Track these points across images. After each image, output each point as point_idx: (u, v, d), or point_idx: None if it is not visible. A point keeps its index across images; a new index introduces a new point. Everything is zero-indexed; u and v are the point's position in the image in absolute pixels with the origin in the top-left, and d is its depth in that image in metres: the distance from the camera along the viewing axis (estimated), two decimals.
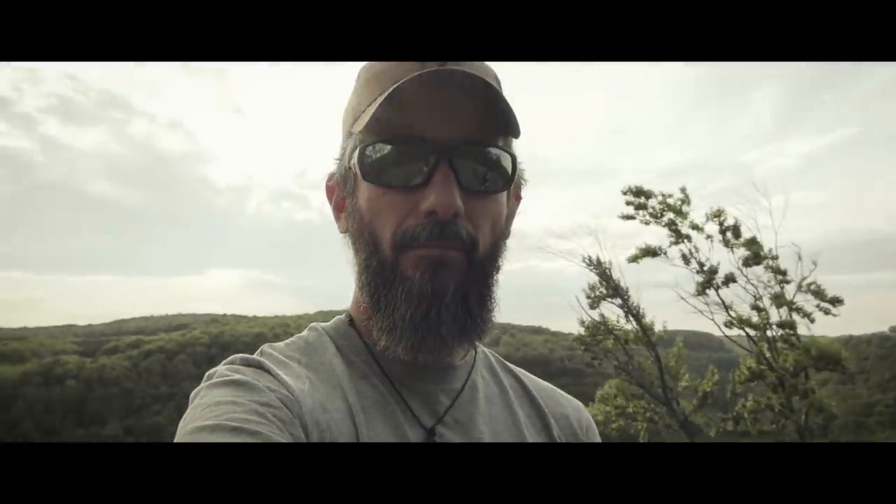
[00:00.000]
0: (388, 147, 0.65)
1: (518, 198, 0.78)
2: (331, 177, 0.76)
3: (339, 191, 0.74)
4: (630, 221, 12.35)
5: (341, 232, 0.74)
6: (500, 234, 0.70)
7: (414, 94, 0.62)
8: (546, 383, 0.86)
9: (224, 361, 0.67)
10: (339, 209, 0.75)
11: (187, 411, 0.59)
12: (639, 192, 12.12)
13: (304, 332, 0.76)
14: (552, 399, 0.82)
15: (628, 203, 12.32)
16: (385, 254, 0.65)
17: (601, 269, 12.26)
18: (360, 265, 0.69)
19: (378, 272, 0.66)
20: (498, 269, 0.70)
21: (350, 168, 0.69)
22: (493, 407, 0.75)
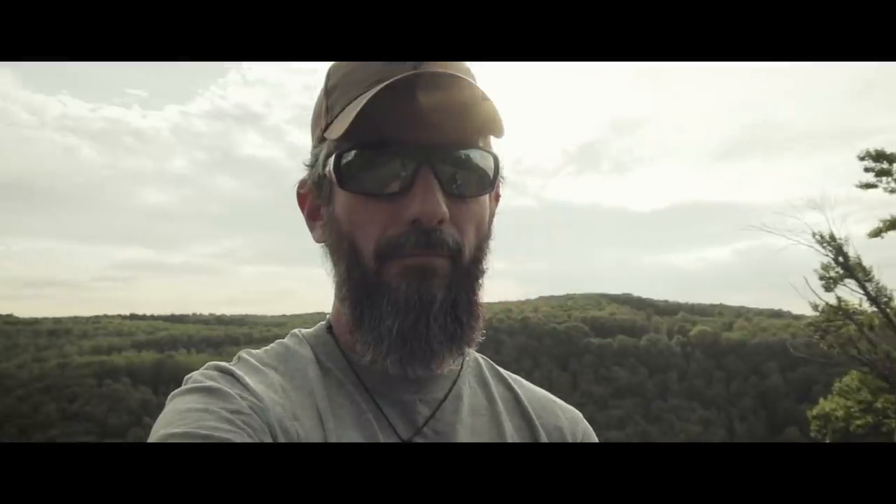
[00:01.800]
0: (366, 153, 0.63)
1: (498, 197, 0.75)
2: (302, 184, 0.73)
3: (313, 199, 0.72)
4: (871, 190, 10.80)
5: (317, 241, 0.72)
6: (485, 238, 0.69)
7: (390, 97, 0.59)
8: (543, 392, 0.82)
9: (202, 367, 0.67)
10: (313, 218, 0.73)
11: (161, 414, 0.60)
12: (880, 157, 10.52)
13: (286, 339, 0.75)
14: (546, 410, 0.79)
15: (867, 170, 10.79)
16: (368, 264, 0.64)
17: (835, 246, 10.95)
18: (341, 276, 0.68)
19: (361, 283, 0.64)
20: (483, 273, 0.69)
21: (325, 175, 0.67)
22: (478, 419, 0.73)
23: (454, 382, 0.73)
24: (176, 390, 0.63)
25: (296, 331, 0.75)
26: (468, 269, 0.66)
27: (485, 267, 0.69)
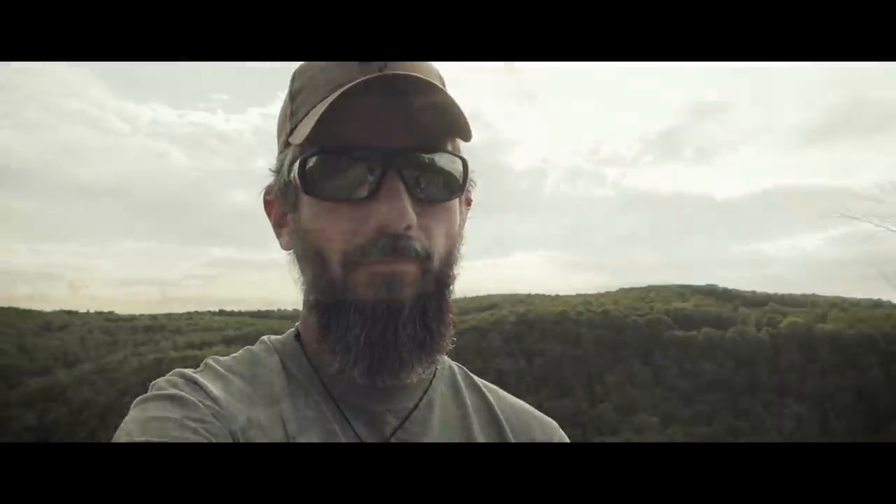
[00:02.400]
0: (331, 158, 0.61)
1: (469, 202, 0.74)
2: (268, 190, 0.72)
3: (280, 205, 0.70)
4: None
5: (284, 249, 0.71)
6: (454, 243, 0.67)
7: (354, 100, 0.58)
8: (519, 403, 0.80)
9: (169, 374, 0.66)
10: (279, 225, 0.71)
11: (123, 421, 0.59)
12: None
13: (255, 346, 0.73)
14: (520, 421, 0.77)
15: None
16: (334, 272, 0.62)
17: None
18: (308, 284, 0.66)
19: (328, 292, 0.63)
20: (453, 279, 0.67)
21: (290, 181, 0.65)
22: (449, 430, 0.71)
23: (425, 392, 0.72)
24: (140, 397, 0.62)
25: (265, 337, 0.75)
26: (437, 276, 0.64)
27: (455, 273, 0.67)
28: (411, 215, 0.60)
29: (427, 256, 0.63)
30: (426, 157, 0.63)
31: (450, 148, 0.65)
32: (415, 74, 0.60)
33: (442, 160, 0.64)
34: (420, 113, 0.61)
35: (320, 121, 0.58)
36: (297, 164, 0.63)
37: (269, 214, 0.73)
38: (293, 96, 0.67)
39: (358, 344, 0.61)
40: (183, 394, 0.61)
